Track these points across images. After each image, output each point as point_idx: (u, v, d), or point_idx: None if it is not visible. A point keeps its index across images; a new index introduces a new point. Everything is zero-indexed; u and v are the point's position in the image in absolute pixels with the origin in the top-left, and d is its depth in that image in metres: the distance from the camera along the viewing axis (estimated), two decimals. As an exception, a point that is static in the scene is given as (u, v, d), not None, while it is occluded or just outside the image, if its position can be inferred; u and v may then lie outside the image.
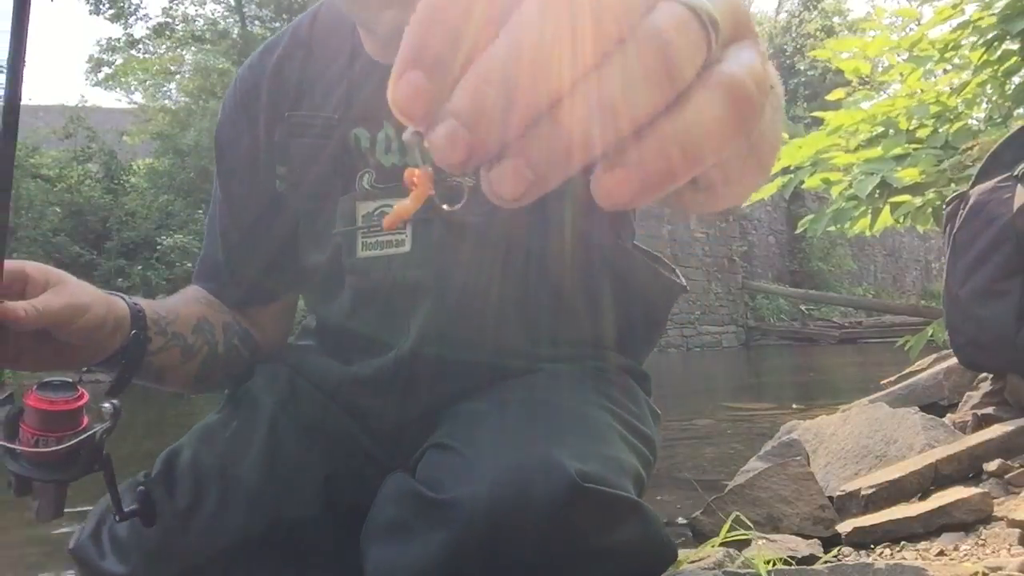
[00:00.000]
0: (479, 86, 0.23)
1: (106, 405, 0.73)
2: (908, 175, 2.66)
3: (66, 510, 0.75)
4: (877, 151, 2.84)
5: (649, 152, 0.24)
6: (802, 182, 3.08)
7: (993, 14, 2.53)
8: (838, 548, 1.33)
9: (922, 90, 2.94)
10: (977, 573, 1.05)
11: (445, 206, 0.29)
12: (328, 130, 0.96)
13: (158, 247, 12.85)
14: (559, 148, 0.24)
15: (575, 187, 0.95)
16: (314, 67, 0.99)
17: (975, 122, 3.00)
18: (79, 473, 0.73)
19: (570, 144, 0.24)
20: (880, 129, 2.95)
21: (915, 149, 2.79)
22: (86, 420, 0.74)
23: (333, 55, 0.98)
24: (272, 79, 1.00)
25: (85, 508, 0.94)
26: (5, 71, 0.63)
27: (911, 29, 3.19)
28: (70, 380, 0.74)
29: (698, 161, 0.25)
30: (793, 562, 1.22)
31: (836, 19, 25.50)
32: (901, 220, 2.92)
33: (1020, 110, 2.90)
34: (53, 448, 0.71)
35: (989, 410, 1.80)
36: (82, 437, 0.72)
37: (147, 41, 18.95)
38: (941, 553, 1.22)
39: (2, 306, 0.70)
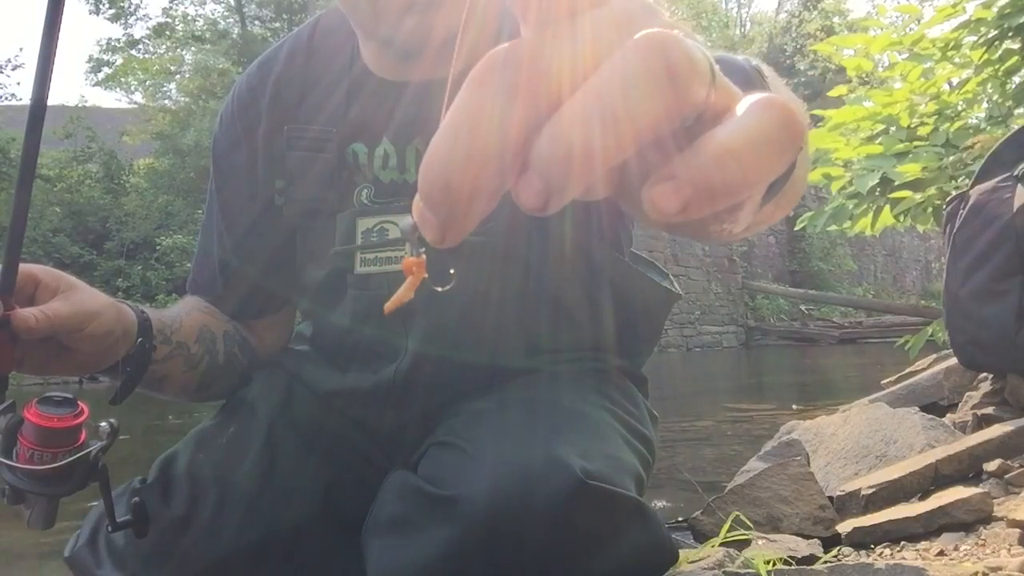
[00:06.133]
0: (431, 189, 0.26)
1: (103, 424, 0.72)
2: (909, 171, 2.65)
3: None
4: (878, 147, 2.83)
5: (696, 163, 0.25)
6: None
7: (994, 10, 2.53)
8: (838, 548, 1.33)
9: (923, 89, 2.94)
10: (977, 573, 1.05)
11: (439, 288, 0.38)
12: (325, 144, 0.95)
13: (158, 247, 12.84)
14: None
15: (573, 202, 0.95)
16: (313, 81, 0.98)
17: (976, 120, 3.00)
18: (72, 488, 0.72)
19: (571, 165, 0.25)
20: (881, 127, 2.95)
21: (916, 146, 2.78)
22: (84, 436, 0.73)
23: (332, 69, 0.97)
24: (271, 93, 0.99)
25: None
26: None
27: (911, 29, 3.18)
28: (71, 396, 0.73)
29: (744, 178, 0.25)
30: (793, 562, 1.22)
31: (836, 19, 25.51)
32: (901, 219, 2.91)
33: (1020, 109, 2.90)
34: (48, 465, 0.70)
35: (989, 410, 1.80)
36: (77, 456, 0.71)
37: (147, 41, 19.01)
38: (941, 553, 1.22)
39: (14, 313, 0.70)
